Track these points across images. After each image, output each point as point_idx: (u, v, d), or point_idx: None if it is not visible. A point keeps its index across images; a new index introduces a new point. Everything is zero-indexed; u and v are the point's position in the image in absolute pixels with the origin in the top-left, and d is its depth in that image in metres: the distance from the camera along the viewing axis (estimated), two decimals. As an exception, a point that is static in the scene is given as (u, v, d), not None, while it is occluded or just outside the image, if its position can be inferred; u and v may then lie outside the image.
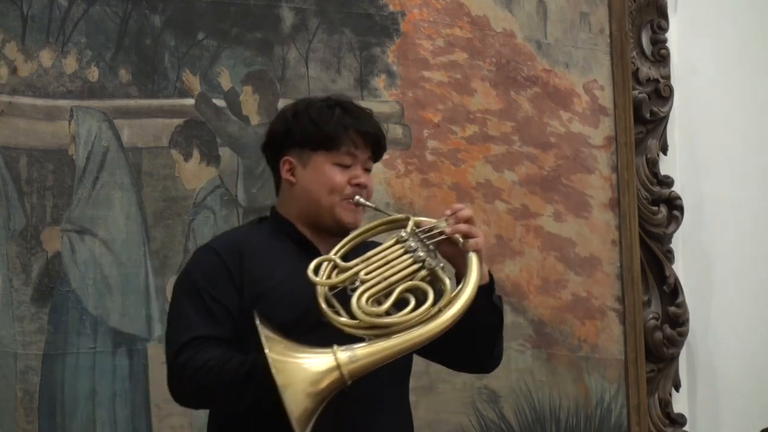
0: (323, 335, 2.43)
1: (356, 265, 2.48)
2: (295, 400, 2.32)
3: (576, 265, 4.06)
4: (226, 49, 3.61)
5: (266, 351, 2.33)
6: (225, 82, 3.61)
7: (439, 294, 2.47)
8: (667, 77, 4.32)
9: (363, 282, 2.46)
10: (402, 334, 2.42)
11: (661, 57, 4.32)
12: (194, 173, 3.55)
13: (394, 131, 3.78)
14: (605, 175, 4.15)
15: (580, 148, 4.11)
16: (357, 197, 2.61)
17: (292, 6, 3.70)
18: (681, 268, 4.28)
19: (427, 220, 2.58)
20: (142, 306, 3.44)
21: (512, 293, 3.90)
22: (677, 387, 4.24)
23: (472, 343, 2.61)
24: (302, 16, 3.72)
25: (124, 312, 3.42)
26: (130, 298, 3.43)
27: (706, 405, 4.27)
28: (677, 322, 4.23)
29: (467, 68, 3.94)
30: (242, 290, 2.55)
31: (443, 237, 2.53)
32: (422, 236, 2.52)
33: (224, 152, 3.59)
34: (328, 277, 2.47)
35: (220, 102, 3.59)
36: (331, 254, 2.51)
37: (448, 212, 2.57)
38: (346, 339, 2.42)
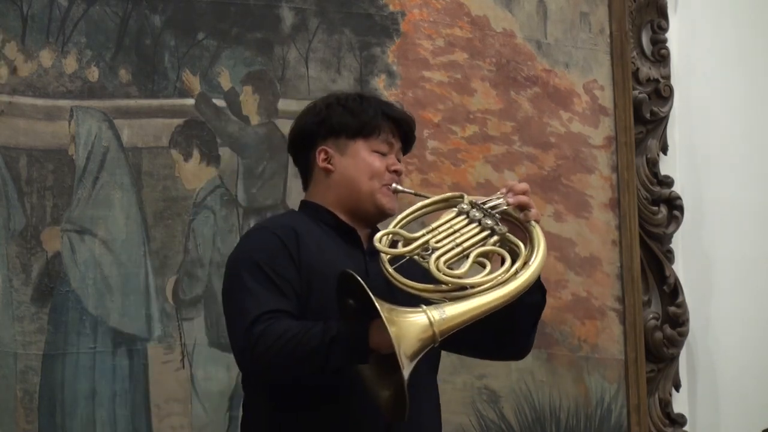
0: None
1: (423, 235, 2.53)
2: (407, 351, 2.35)
3: (576, 265, 4.06)
4: (226, 49, 3.61)
5: (377, 304, 2.35)
6: (225, 82, 3.61)
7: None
8: (667, 77, 4.32)
9: (435, 249, 2.50)
10: (484, 294, 2.46)
11: (661, 57, 4.31)
12: (194, 173, 3.55)
13: (394, 131, 3.78)
14: (605, 175, 4.15)
15: (580, 148, 4.11)
16: (395, 184, 2.66)
17: (292, 6, 3.70)
18: (681, 268, 4.28)
19: (480, 197, 2.63)
20: (142, 306, 3.44)
21: (512, 293, 3.89)
22: (677, 387, 4.24)
23: (516, 322, 2.64)
24: (302, 16, 3.71)
25: (124, 312, 3.41)
26: (130, 298, 3.43)
27: (706, 405, 4.27)
28: (677, 322, 4.23)
29: (467, 68, 3.94)
30: (300, 269, 2.56)
31: (503, 209, 2.58)
32: (485, 207, 2.58)
33: (224, 152, 3.59)
34: (393, 248, 2.51)
35: (220, 102, 3.59)
36: (391, 227, 2.55)
37: (504, 189, 2.62)
38: None
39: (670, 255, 4.27)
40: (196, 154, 3.56)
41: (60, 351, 3.34)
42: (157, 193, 3.49)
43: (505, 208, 2.59)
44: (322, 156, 2.68)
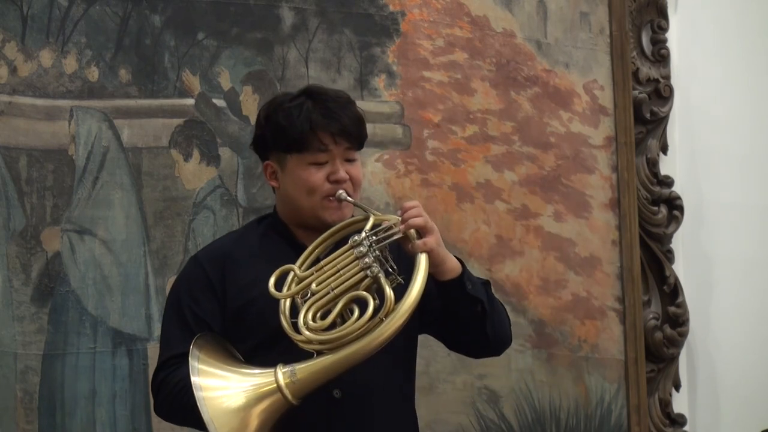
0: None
1: (311, 274, 2.44)
2: (233, 412, 2.32)
3: (576, 265, 4.06)
4: (226, 49, 3.61)
5: (193, 382, 2.32)
6: (225, 82, 3.61)
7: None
8: (667, 77, 4.32)
9: (313, 293, 2.41)
10: (345, 347, 2.37)
11: (661, 57, 4.31)
12: (194, 173, 3.55)
13: (394, 131, 3.78)
14: (605, 175, 4.15)
15: (580, 148, 4.11)
16: (339, 192, 2.53)
17: (292, 6, 3.70)
18: (681, 268, 4.28)
19: (386, 219, 2.49)
20: (142, 306, 3.44)
21: (512, 293, 3.90)
22: (677, 387, 4.24)
23: (464, 332, 2.57)
24: (302, 16, 3.71)
25: (124, 312, 3.42)
26: (130, 298, 3.43)
27: (706, 405, 4.27)
28: (677, 322, 4.23)
29: (467, 68, 3.94)
30: (225, 301, 2.54)
31: (393, 239, 2.45)
32: (374, 239, 2.44)
33: (224, 152, 3.59)
34: (288, 288, 2.44)
35: (220, 102, 3.59)
36: (297, 264, 2.47)
37: (400, 211, 2.49)
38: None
39: (670, 255, 4.27)
40: (196, 154, 3.55)
41: (60, 351, 3.34)
42: (157, 193, 3.49)
43: (396, 237, 2.45)
44: (269, 170, 2.60)
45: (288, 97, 2.60)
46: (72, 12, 3.44)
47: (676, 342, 4.22)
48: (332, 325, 2.39)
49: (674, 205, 4.27)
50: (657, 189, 4.26)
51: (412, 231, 2.46)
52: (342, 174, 2.54)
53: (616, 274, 4.13)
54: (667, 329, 4.21)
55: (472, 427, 3.82)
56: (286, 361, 2.39)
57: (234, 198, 3.58)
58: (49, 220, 3.38)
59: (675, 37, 4.35)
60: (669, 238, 4.27)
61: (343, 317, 2.40)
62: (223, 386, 2.36)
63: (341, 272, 2.43)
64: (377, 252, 2.43)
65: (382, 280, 2.41)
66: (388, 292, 2.39)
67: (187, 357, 2.42)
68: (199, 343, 2.41)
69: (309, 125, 2.52)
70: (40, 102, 3.39)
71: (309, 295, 2.42)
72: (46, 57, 3.41)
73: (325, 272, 2.44)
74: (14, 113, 3.37)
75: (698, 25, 4.38)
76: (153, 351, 3.43)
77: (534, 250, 3.99)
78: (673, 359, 4.22)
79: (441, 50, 3.91)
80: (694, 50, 4.36)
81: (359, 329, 2.37)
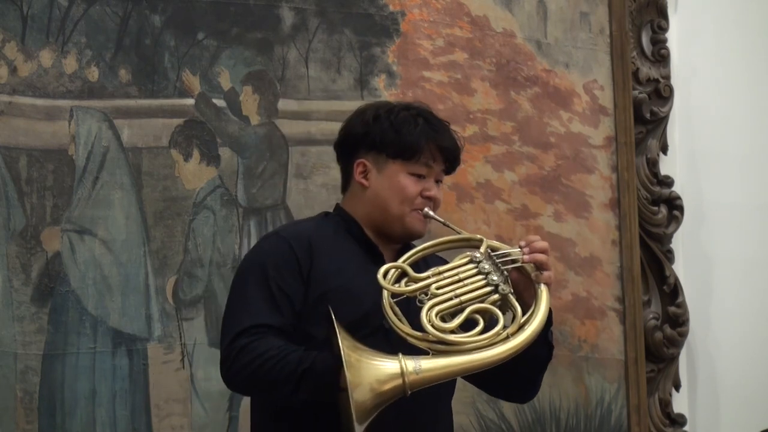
0: (379, 341, 2.46)
1: (428, 277, 2.51)
2: (363, 398, 2.34)
3: (576, 265, 4.06)
4: (226, 49, 3.61)
5: (341, 345, 2.34)
6: (225, 82, 3.61)
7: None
8: (667, 77, 4.32)
9: (434, 296, 2.48)
10: (467, 354, 2.44)
11: (661, 57, 4.32)
12: (194, 173, 3.55)
13: (394, 131, 3.77)
14: (605, 175, 4.15)
15: (580, 148, 4.11)
16: (426, 209, 2.63)
17: (292, 6, 3.70)
18: (681, 268, 4.28)
19: (500, 245, 2.60)
20: (142, 306, 3.44)
21: (512, 293, 3.90)
22: (677, 387, 4.24)
23: (518, 373, 2.61)
24: (302, 16, 3.72)
25: (124, 312, 3.42)
26: (130, 298, 3.43)
27: (706, 405, 4.27)
28: (677, 322, 4.23)
29: (467, 68, 3.94)
30: (309, 284, 2.56)
31: (518, 265, 2.55)
32: (497, 260, 2.54)
33: (224, 152, 3.59)
34: (395, 284, 2.49)
35: (220, 102, 3.59)
36: (400, 262, 2.53)
37: (523, 243, 2.58)
38: (401, 348, 2.43)
39: (670, 255, 4.27)
40: (196, 154, 3.56)
41: (60, 351, 3.34)
42: (157, 193, 3.49)
43: (520, 264, 2.56)
44: (360, 169, 2.66)
45: (398, 106, 2.69)
46: (72, 12, 3.44)
47: (676, 342, 4.22)
48: (453, 330, 2.45)
49: (674, 205, 4.28)
50: (657, 189, 4.26)
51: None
52: (435, 192, 2.66)
53: (616, 274, 4.13)
54: (667, 329, 4.21)
55: (472, 427, 3.82)
56: None
57: (234, 198, 3.58)
58: (49, 220, 3.38)
59: (675, 37, 4.35)
60: (669, 238, 4.27)
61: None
62: (358, 359, 2.38)
63: (465, 282, 2.51)
64: (505, 272, 2.53)
65: (512, 299, 2.50)
66: (519, 312, 2.49)
67: (270, 328, 2.48)
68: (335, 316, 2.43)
69: (425, 138, 2.63)
70: (40, 102, 3.39)
71: (429, 296, 2.48)
72: (46, 57, 3.41)
73: (446, 278, 2.51)
74: (14, 113, 3.37)
75: (698, 25, 4.38)
76: (153, 351, 3.43)
77: (534, 250, 3.99)
78: (673, 359, 4.22)
79: (441, 50, 3.91)
80: (694, 50, 4.36)
81: (484, 340, 2.45)
